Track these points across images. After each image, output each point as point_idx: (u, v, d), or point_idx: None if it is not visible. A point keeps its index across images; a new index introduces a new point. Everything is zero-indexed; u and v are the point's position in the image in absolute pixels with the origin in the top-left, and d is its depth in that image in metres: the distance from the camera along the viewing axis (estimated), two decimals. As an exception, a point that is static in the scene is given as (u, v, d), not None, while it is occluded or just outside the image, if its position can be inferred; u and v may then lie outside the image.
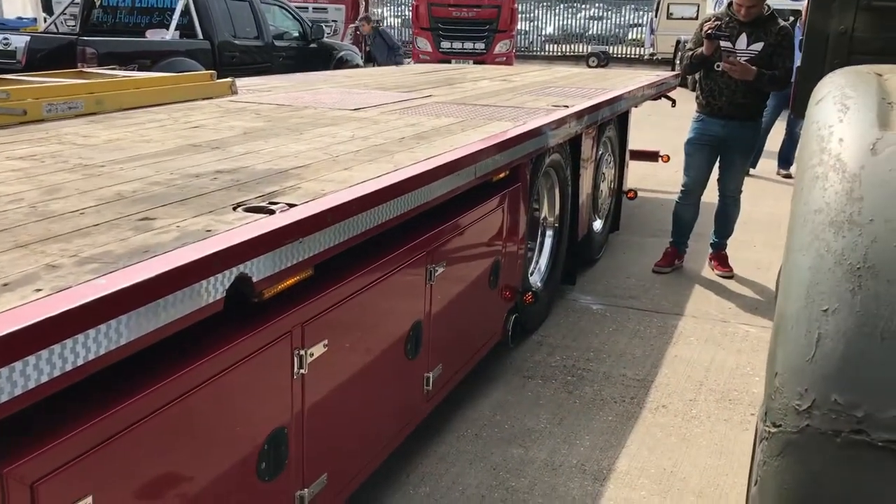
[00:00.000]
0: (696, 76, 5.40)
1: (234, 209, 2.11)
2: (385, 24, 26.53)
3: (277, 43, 10.78)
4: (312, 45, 11.46)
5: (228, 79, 4.85)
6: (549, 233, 4.67)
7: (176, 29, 9.28)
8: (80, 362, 1.43)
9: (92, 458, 1.53)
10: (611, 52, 27.76)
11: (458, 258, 3.22)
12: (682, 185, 5.52)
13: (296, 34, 11.52)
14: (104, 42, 8.53)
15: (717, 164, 5.42)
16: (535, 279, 4.48)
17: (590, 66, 21.76)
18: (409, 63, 15.02)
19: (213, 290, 1.73)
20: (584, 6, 31.23)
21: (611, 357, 4.18)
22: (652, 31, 24.83)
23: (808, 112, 1.95)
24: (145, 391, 1.65)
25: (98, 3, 10.24)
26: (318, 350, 2.22)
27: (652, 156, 7.08)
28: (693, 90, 6.36)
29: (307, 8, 17.17)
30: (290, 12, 11.68)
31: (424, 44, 17.99)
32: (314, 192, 2.30)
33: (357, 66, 12.07)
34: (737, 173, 5.39)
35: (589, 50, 27.63)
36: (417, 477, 3.06)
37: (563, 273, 4.89)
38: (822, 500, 1.38)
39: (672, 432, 3.44)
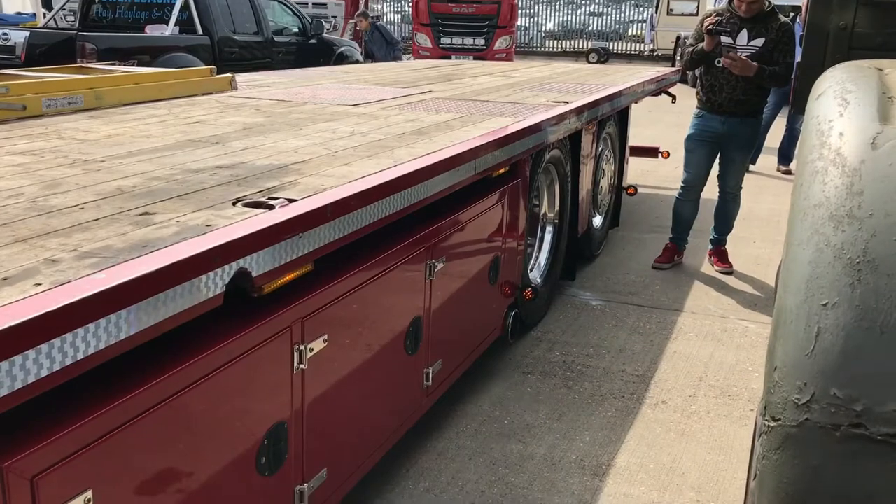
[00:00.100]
0: (697, 72, 5.40)
1: (234, 204, 2.11)
2: (384, 19, 26.52)
3: (277, 39, 10.77)
4: (312, 41, 11.46)
5: (228, 74, 4.85)
6: (549, 229, 4.67)
7: (175, 24, 9.27)
8: (79, 357, 1.43)
9: (92, 453, 1.53)
10: (611, 48, 27.74)
11: (457, 254, 3.22)
12: (682, 182, 5.52)
13: (295, 30, 11.52)
14: (104, 37, 8.52)
15: (717, 161, 5.42)
16: (535, 275, 4.48)
17: (590, 63, 21.77)
18: (408, 59, 15.00)
19: (213, 284, 1.73)
20: (584, 2, 31.20)
21: (610, 353, 4.18)
22: (652, 28, 24.82)
23: (808, 107, 1.95)
24: (145, 386, 1.65)
25: (97, -1, 10.24)
26: (317, 345, 2.22)
27: (652, 152, 7.08)
28: (693, 86, 6.35)
29: (307, 4, 17.16)
30: (289, 8, 11.67)
31: (424, 39, 17.97)
32: (314, 188, 2.30)
33: (357, 61, 12.06)
34: (737, 170, 5.39)
35: (589, 46, 27.62)
36: (417, 472, 3.06)
37: (563, 269, 4.89)
38: (821, 493, 1.38)
39: (671, 428, 3.45)
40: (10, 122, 3.32)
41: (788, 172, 8.72)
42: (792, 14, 9.59)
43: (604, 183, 5.83)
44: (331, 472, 2.39)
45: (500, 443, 3.28)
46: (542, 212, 4.60)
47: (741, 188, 5.47)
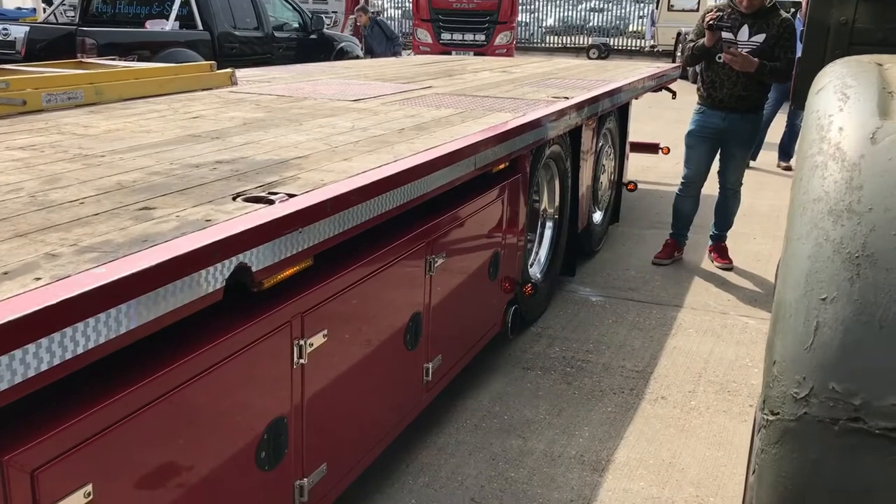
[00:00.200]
0: (698, 68, 5.39)
1: (234, 199, 2.11)
2: (385, 15, 26.49)
3: (277, 34, 10.77)
4: (312, 37, 11.45)
5: (228, 69, 4.84)
6: (549, 224, 4.67)
7: (175, 19, 9.27)
8: (79, 351, 1.44)
9: (92, 447, 1.53)
10: (611, 44, 27.70)
11: (457, 249, 3.22)
12: (683, 178, 5.52)
13: (296, 25, 11.51)
14: (104, 33, 8.52)
15: (717, 157, 5.42)
16: (535, 270, 4.49)
17: (590, 58, 21.73)
18: (408, 55, 14.99)
19: (213, 279, 1.74)
20: (584, -3, 31.20)
21: (610, 348, 4.18)
22: (653, 24, 24.79)
23: (808, 101, 1.95)
24: (145, 380, 1.66)
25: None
26: (317, 340, 2.22)
27: (652, 148, 7.07)
28: (694, 82, 6.35)
29: (307, -1, 17.13)
30: (290, 3, 11.66)
31: (424, 35, 17.94)
32: (314, 183, 2.30)
33: (357, 57, 12.06)
34: (737, 166, 5.39)
35: (589, 42, 27.58)
36: (416, 467, 3.06)
37: (563, 264, 4.90)
38: (820, 487, 1.38)
39: (671, 423, 3.45)
40: (10, 117, 3.32)
41: (789, 168, 8.72)
42: (793, 10, 9.59)
43: (604, 179, 5.83)
44: (330, 466, 2.39)
45: (499, 438, 3.29)
46: (542, 207, 4.60)
47: (741, 184, 5.47)
